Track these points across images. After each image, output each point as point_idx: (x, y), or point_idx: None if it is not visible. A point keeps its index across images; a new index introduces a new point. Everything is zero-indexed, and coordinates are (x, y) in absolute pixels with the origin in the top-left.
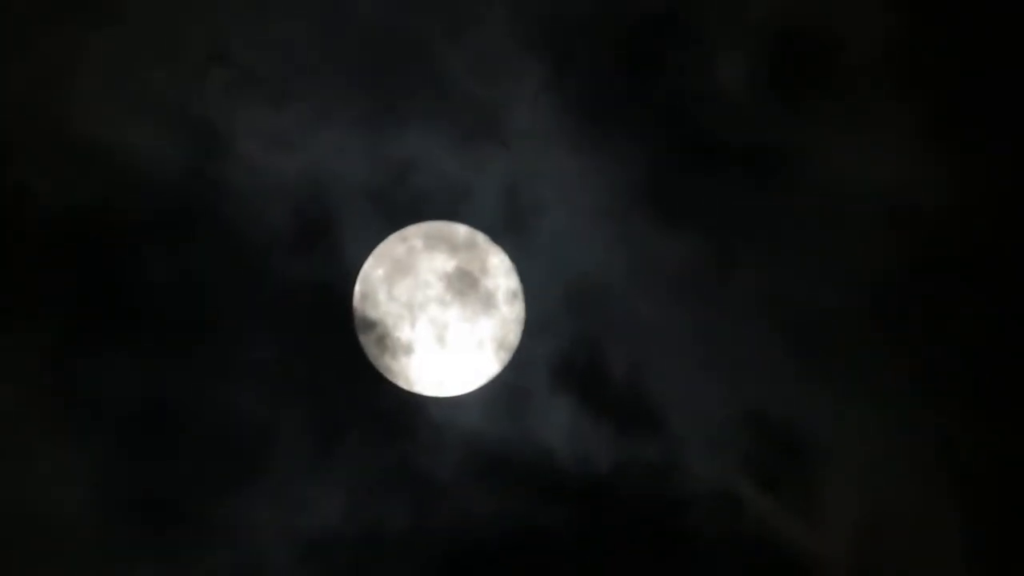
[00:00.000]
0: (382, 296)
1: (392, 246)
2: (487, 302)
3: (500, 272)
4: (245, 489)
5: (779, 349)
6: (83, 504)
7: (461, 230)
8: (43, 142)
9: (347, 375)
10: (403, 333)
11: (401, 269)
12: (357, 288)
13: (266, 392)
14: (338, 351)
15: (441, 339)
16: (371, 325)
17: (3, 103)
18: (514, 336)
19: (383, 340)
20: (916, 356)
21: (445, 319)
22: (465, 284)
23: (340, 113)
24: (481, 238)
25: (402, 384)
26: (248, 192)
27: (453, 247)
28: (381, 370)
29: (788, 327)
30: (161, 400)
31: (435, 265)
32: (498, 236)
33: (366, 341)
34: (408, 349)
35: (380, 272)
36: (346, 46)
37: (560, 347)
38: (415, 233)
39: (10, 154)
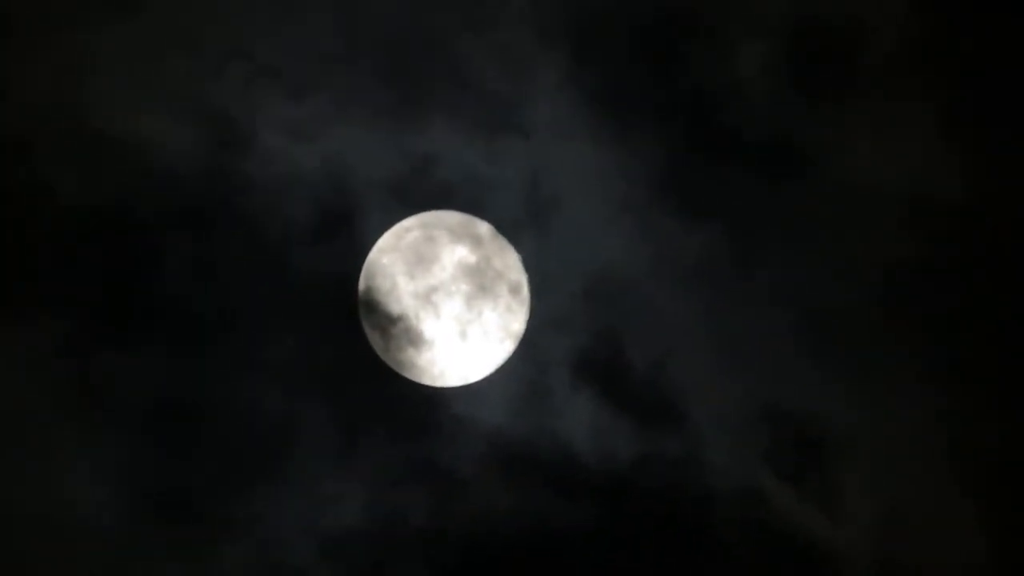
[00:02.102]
0: (392, 287)
1: (400, 236)
2: (502, 295)
3: (513, 265)
4: (266, 485)
5: (798, 343)
6: (103, 500)
7: (472, 221)
8: (63, 138)
9: (366, 369)
10: (417, 325)
11: (411, 260)
12: (365, 279)
13: (286, 387)
14: (358, 345)
15: (455, 332)
16: (382, 316)
17: (23, 100)
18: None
19: (396, 332)
20: (935, 350)
21: (459, 312)
22: (478, 276)
23: (360, 106)
24: (492, 230)
25: (419, 378)
26: (268, 185)
27: (463, 238)
28: (396, 363)
29: (807, 321)
30: (181, 396)
31: (447, 256)
32: (518, 229)
33: (378, 333)
34: (423, 342)
35: (387, 262)
36: (366, 39)
37: (580, 342)
38: (422, 223)
39: (30, 150)
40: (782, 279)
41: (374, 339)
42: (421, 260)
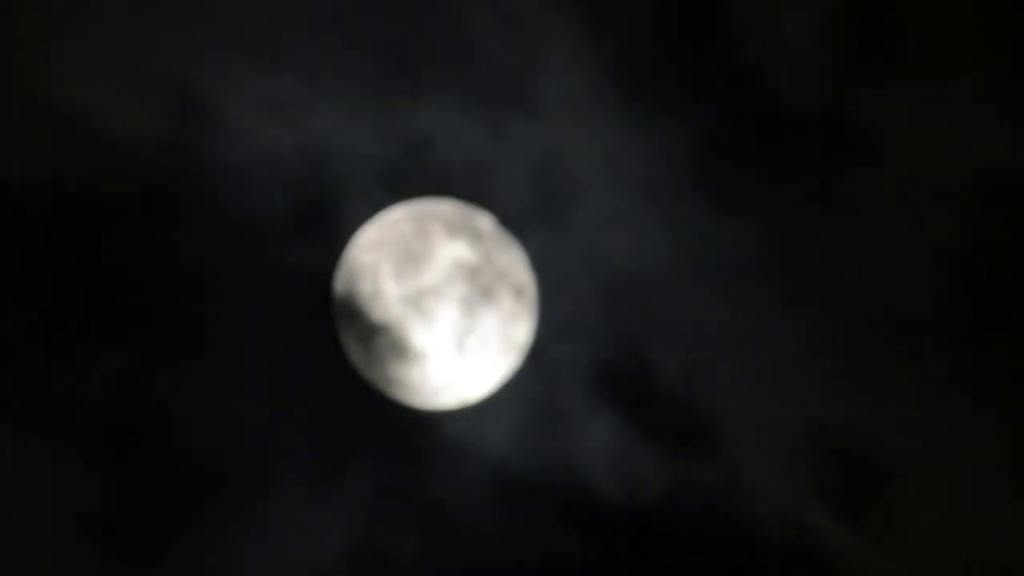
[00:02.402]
0: (378, 291)
1: (388, 230)
2: (506, 299)
3: (519, 264)
4: (234, 516)
5: (853, 353)
6: (43, 531)
7: (471, 213)
8: (4, 112)
9: (349, 385)
10: (406, 335)
11: (400, 258)
12: (347, 281)
13: (257, 402)
14: (339, 357)
15: (451, 343)
16: (366, 324)
17: None
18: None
19: (382, 343)
20: (1013, 361)
21: (455, 319)
22: (478, 278)
23: (344, 80)
24: (495, 224)
25: (409, 397)
26: (239, 170)
27: (461, 232)
28: (382, 379)
29: (863, 328)
30: (138, 411)
31: (442, 254)
32: (525, 222)
33: (362, 344)
34: (413, 355)
35: (372, 260)
36: (352, 3)
37: (598, 354)
38: (413, 214)
39: None
40: (834, 279)
41: (357, 351)
42: (412, 258)
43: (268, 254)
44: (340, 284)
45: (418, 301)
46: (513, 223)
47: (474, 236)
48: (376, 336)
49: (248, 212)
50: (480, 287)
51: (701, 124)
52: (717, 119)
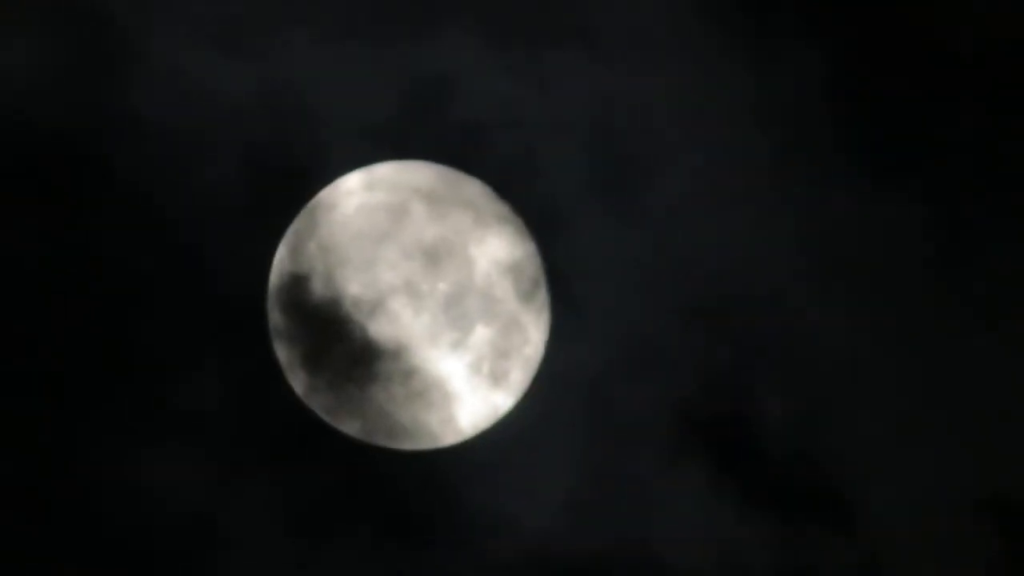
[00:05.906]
0: (372, 300)
1: (385, 212)
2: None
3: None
4: None
5: None
6: None
7: (478, 190)
8: None
9: (326, 432)
10: (412, 361)
11: (405, 251)
12: (324, 284)
13: (204, 461)
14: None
15: (475, 373)
16: (353, 345)
17: None
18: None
19: (378, 371)
20: None
21: (480, 341)
22: (513, 283)
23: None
24: (505, 209)
25: (416, 446)
26: (173, 127)
27: (492, 218)
28: (376, 424)
29: None
30: (42, 473)
31: (462, 248)
32: (580, 204)
33: (345, 372)
34: (423, 387)
35: (363, 254)
36: None
37: (680, 389)
38: (422, 193)
39: None
40: None
41: (340, 383)
42: (423, 254)
43: (215, 246)
44: (317, 288)
45: (431, 313)
46: (562, 205)
47: (513, 225)
48: (369, 362)
49: (188, 187)
50: (514, 296)
51: (834, 63)
52: (857, 55)
